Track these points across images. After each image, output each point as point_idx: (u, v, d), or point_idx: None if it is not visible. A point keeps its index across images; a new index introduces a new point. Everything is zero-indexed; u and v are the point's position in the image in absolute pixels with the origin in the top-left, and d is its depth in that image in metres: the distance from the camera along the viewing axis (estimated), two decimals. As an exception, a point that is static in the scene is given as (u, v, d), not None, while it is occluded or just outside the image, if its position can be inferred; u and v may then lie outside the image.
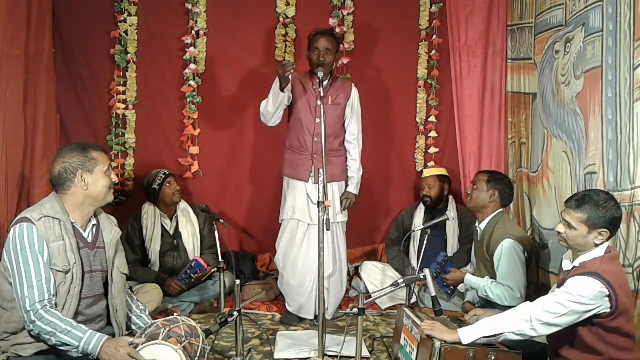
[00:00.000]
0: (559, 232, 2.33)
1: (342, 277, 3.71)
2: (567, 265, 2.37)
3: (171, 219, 3.91)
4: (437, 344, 2.32)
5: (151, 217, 3.84)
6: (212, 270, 3.76)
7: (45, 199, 2.35)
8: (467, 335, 2.32)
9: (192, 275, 3.64)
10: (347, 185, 3.68)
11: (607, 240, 2.28)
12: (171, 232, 3.89)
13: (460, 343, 2.31)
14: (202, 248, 3.97)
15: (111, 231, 2.48)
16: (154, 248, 3.81)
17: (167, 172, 3.91)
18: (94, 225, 2.43)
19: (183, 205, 3.96)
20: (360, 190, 3.71)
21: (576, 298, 2.15)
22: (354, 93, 3.65)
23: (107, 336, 2.20)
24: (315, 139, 3.46)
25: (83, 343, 2.15)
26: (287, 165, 3.62)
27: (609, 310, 2.17)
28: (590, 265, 2.23)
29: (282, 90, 3.38)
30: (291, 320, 3.59)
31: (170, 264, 3.83)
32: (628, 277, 2.46)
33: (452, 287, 3.48)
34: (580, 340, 2.25)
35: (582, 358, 2.25)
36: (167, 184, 3.85)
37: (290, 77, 3.37)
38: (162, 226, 3.87)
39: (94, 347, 2.15)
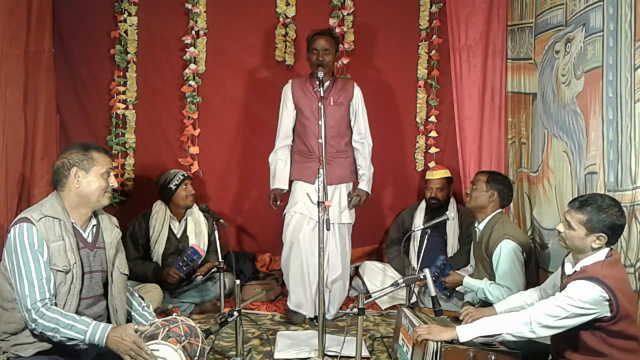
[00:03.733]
0: (558, 231, 2.34)
1: (346, 278, 3.72)
2: (568, 268, 2.37)
3: (179, 222, 3.89)
4: (431, 344, 2.31)
5: (160, 218, 3.81)
6: (212, 271, 3.76)
7: (45, 199, 2.34)
8: (465, 333, 2.32)
9: (189, 262, 3.61)
10: (355, 186, 3.68)
11: (606, 245, 2.26)
12: (178, 235, 3.87)
13: (458, 340, 2.31)
14: (208, 251, 3.93)
15: (112, 232, 2.47)
16: (158, 250, 3.79)
17: (186, 174, 3.89)
18: (94, 225, 2.42)
19: (194, 208, 3.93)
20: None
21: (576, 302, 2.15)
22: (357, 92, 3.65)
23: (111, 325, 2.20)
24: (320, 141, 3.46)
25: (88, 335, 2.14)
26: (295, 169, 3.62)
27: (609, 314, 2.17)
28: (591, 269, 2.23)
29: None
30: (294, 317, 3.58)
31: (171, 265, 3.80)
32: (629, 278, 2.46)
33: (450, 289, 3.48)
34: (583, 343, 2.24)
35: None
36: (184, 186, 3.82)
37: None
38: (170, 228, 3.84)
39: (100, 338, 2.14)
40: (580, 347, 2.26)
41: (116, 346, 2.14)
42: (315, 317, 3.51)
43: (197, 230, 3.91)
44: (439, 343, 2.32)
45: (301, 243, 3.54)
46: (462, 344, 2.33)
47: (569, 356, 2.30)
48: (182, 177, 3.83)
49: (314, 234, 3.50)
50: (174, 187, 3.80)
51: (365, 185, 3.65)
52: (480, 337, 2.30)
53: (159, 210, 3.84)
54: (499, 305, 2.75)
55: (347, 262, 3.67)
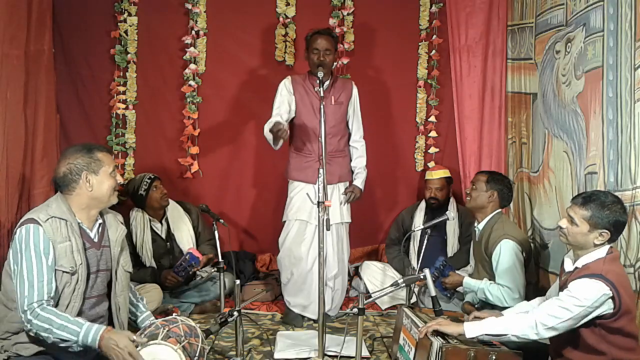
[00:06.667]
0: (560, 227, 2.34)
1: (344, 277, 3.73)
2: (568, 265, 2.37)
3: (161, 222, 3.86)
4: (436, 344, 2.32)
5: (140, 224, 3.77)
6: (212, 271, 3.76)
7: (51, 199, 2.34)
8: (472, 330, 2.33)
9: (187, 267, 3.62)
10: (351, 184, 3.68)
11: (608, 242, 2.27)
12: (163, 236, 3.84)
13: (464, 336, 2.32)
14: (199, 243, 3.94)
15: (117, 229, 2.47)
16: (147, 254, 3.77)
17: (152, 176, 3.84)
18: (100, 224, 2.42)
19: (172, 205, 3.91)
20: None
21: (581, 302, 2.15)
22: (355, 92, 3.68)
23: (105, 327, 2.16)
24: (321, 140, 3.46)
25: (82, 336, 2.12)
26: (294, 168, 3.61)
27: (611, 310, 2.17)
28: (593, 266, 2.23)
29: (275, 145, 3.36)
30: (293, 319, 3.59)
31: (166, 266, 3.79)
32: (629, 278, 2.46)
33: (451, 290, 3.48)
34: (582, 341, 2.25)
35: (585, 358, 2.25)
36: (154, 188, 3.78)
37: (284, 137, 3.25)
38: (153, 231, 3.81)
39: (93, 339, 2.11)
40: (579, 345, 2.26)
41: (108, 350, 2.09)
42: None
43: (182, 225, 3.88)
44: (441, 343, 2.32)
45: (301, 249, 3.54)
46: (466, 342, 2.34)
47: (567, 354, 2.30)
48: (149, 181, 3.79)
49: (315, 239, 3.51)
50: (144, 193, 3.77)
51: (360, 182, 3.67)
52: (486, 335, 2.31)
53: (137, 216, 3.80)
54: (506, 312, 2.73)
55: (344, 262, 3.68)
